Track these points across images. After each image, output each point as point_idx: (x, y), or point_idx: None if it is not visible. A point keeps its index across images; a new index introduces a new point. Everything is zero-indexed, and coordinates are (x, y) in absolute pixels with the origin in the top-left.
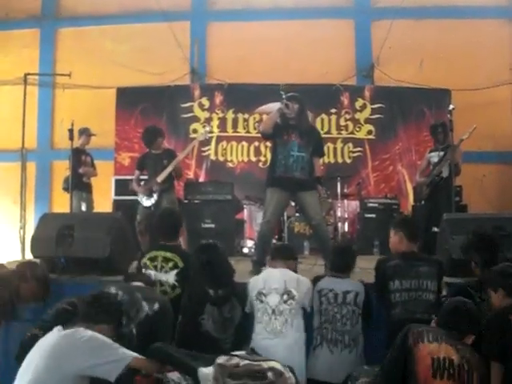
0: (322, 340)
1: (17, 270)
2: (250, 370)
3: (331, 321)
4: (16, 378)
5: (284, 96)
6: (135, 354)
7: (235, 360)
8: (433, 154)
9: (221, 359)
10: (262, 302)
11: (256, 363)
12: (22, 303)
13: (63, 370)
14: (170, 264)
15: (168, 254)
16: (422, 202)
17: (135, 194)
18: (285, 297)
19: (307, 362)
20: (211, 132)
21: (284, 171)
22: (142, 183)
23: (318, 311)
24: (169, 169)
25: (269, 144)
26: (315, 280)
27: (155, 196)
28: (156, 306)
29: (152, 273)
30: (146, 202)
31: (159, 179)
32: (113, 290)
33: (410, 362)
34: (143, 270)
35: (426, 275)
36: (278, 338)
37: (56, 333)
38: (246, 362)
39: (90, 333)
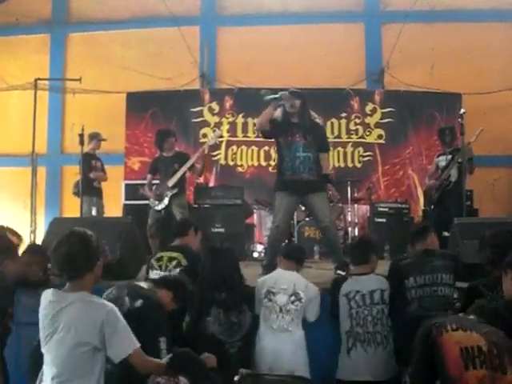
0: (355, 342)
1: None
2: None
3: (362, 324)
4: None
5: (287, 92)
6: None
7: None
8: (441, 158)
9: None
10: (270, 300)
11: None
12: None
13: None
14: (174, 262)
15: (173, 254)
16: (432, 207)
17: (146, 198)
18: (292, 298)
19: (341, 365)
20: (221, 136)
21: (292, 174)
22: (154, 187)
23: (348, 315)
24: (179, 173)
25: None
26: (337, 283)
27: (166, 200)
28: (139, 302)
29: (157, 272)
30: (157, 206)
31: (170, 183)
32: (111, 288)
33: (437, 356)
34: (150, 271)
35: (441, 268)
36: (284, 335)
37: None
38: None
39: None
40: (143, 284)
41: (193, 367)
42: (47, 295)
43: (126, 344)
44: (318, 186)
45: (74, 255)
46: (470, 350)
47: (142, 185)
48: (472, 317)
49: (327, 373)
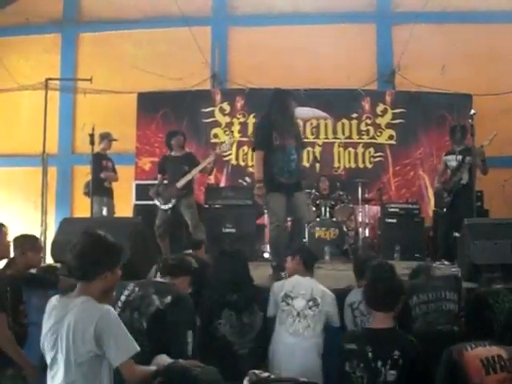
0: None
1: None
2: None
3: None
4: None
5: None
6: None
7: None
8: (449, 157)
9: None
10: (288, 304)
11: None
12: None
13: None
14: None
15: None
16: (444, 210)
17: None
18: (310, 303)
19: None
20: (232, 136)
21: (288, 177)
22: (161, 187)
23: (352, 324)
24: (189, 176)
25: None
26: (343, 294)
27: (173, 201)
28: (168, 298)
29: None
30: (164, 206)
31: (179, 185)
32: (131, 286)
33: (460, 372)
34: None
35: (444, 287)
36: (298, 339)
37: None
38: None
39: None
40: (162, 279)
41: None
42: (52, 302)
43: (121, 349)
44: (301, 184)
45: (84, 253)
46: (491, 358)
47: (153, 185)
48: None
49: None
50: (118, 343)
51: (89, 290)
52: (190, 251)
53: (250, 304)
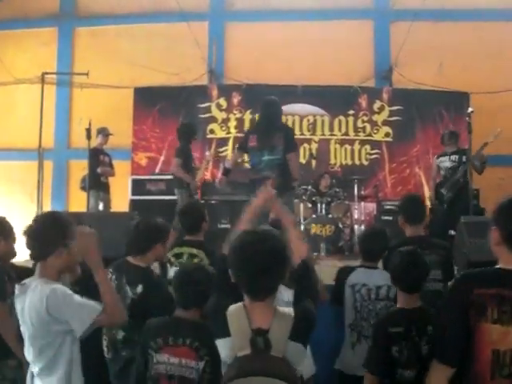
0: (360, 337)
1: None
2: None
3: (367, 318)
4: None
5: None
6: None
7: None
8: (442, 158)
9: None
10: None
11: None
12: None
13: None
14: (196, 261)
15: (194, 251)
16: (445, 206)
17: (153, 193)
18: None
19: (345, 358)
20: (228, 133)
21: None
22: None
23: (352, 307)
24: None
25: None
26: (344, 272)
27: None
28: (139, 287)
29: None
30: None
31: None
32: (108, 273)
33: (471, 346)
34: (168, 267)
35: (432, 264)
36: None
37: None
38: None
39: None
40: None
41: None
42: (15, 293)
43: (82, 318)
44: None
45: (33, 231)
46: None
47: (149, 180)
48: None
49: (331, 364)
50: (76, 315)
51: (45, 271)
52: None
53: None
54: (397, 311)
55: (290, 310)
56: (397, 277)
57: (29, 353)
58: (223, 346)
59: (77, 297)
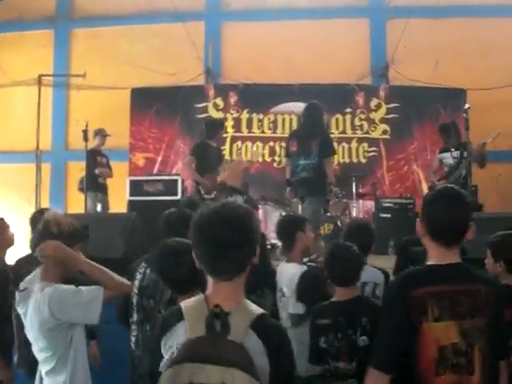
0: None
1: None
2: None
3: None
4: None
5: None
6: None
7: None
8: (445, 154)
9: None
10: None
11: None
12: None
13: None
14: None
15: None
16: None
17: (150, 194)
18: (279, 294)
19: None
20: (225, 132)
21: None
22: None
23: None
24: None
25: (283, 144)
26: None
27: None
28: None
29: None
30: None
31: None
32: (142, 267)
33: (414, 347)
34: None
35: None
36: None
37: None
38: None
39: None
40: None
41: None
42: (16, 299)
43: (92, 306)
44: None
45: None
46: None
47: (147, 181)
48: None
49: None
50: (83, 311)
51: (47, 273)
52: None
53: (257, 286)
54: (327, 304)
55: (261, 310)
56: (328, 271)
57: (37, 354)
58: (179, 334)
59: (78, 290)
